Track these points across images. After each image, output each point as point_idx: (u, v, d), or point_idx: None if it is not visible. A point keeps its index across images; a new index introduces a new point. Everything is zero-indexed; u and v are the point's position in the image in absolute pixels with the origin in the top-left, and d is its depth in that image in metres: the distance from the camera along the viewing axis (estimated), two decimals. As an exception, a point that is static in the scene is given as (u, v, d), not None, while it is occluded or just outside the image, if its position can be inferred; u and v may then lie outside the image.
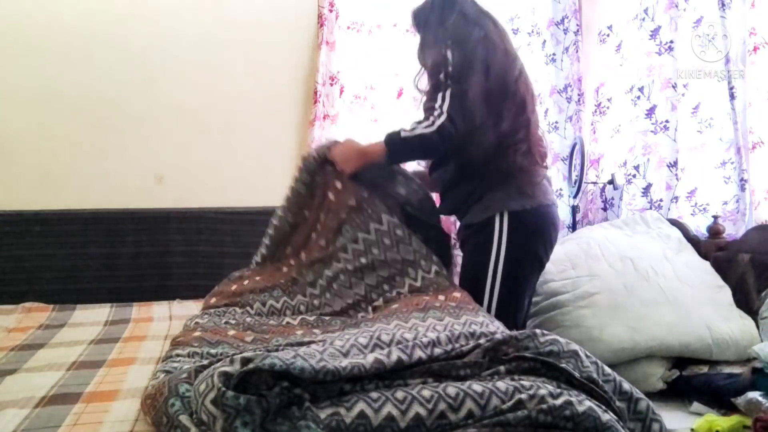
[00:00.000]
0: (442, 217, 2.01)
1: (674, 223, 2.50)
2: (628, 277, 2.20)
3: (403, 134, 1.71)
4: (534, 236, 1.80)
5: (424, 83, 1.84)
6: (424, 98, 1.79)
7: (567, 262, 2.35)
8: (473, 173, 1.80)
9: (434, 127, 1.67)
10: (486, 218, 1.77)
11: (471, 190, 1.81)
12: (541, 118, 3.01)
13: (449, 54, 1.71)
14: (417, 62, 1.91)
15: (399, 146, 1.73)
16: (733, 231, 2.40)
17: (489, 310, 1.74)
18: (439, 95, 1.69)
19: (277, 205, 2.34)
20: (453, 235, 2.14)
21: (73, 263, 2.45)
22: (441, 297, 1.56)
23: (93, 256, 2.48)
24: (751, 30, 2.32)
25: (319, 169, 1.86)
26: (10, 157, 2.54)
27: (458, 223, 1.97)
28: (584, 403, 1.01)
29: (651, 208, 2.65)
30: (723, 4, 2.37)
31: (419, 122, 1.70)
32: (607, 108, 2.93)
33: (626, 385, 1.13)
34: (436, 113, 1.68)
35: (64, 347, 1.65)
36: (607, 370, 1.15)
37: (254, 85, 2.78)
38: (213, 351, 1.36)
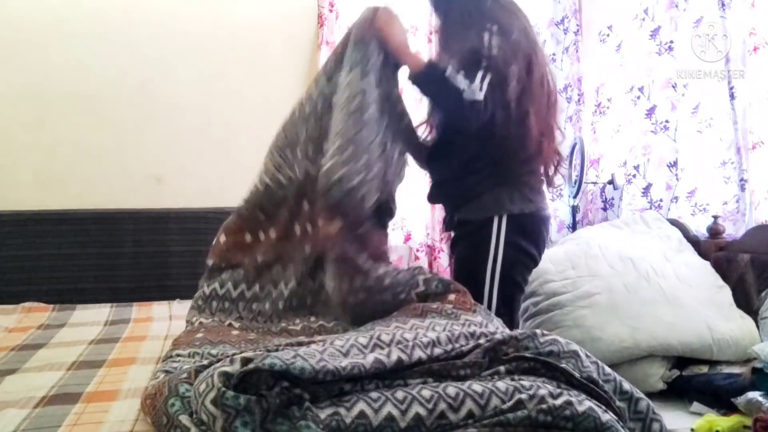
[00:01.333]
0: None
1: (674, 223, 2.50)
2: (628, 277, 2.20)
3: (447, 73, 1.61)
4: (531, 239, 1.78)
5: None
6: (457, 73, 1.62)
7: (567, 262, 2.35)
8: (480, 169, 1.75)
9: (468, 101, 1.59)
10: (484, 218, 1.75)
11: (472, 186, 1.76)
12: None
13: (491, 39, 1.63)
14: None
15: (436, 77, 1.63)
16: (733, 231, 2.40)
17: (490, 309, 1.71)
18: (478, 75, 1.59)
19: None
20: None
21: (73, 263, 2.45)
22: (436, 304, 1.51)
23: (93, 256, 2.48)
24: (751, 30, 2.32)
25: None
26: (10, 157, 2.54)
27: (442, 216, 1.94)
28: (584, 403, 1.01)
29: (651, 208, 2.65)
30: (723, 4, 2.37)
31: (464, 82, 1.59)
32: (607, 108, 2.93)
33: (626, 385, 1.13)
34: (474, 85, 1.59)
35: (64, 347, 1.65)
36: (608, 369, 1.15)
37: (254, 85, 2.78)
38: (214, 351, 1.36)
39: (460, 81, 1.60)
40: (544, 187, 1.84)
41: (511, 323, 1.75)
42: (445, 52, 1.80)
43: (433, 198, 1.95)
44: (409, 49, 1.74)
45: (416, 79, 1.69)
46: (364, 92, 1.59)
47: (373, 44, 1.68)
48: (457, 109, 1.64)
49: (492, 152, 1.72)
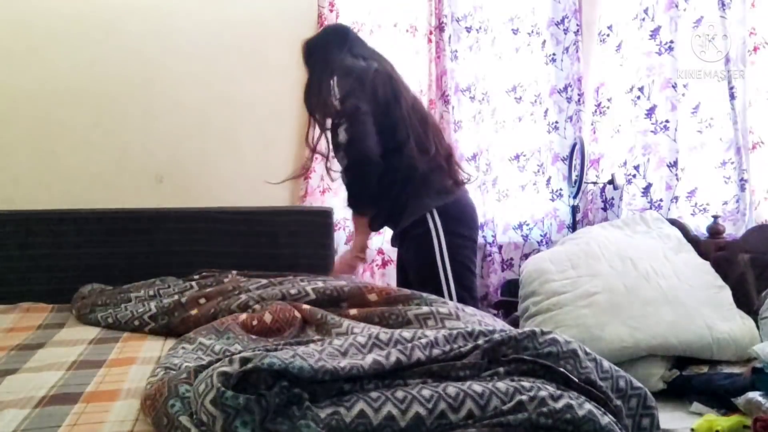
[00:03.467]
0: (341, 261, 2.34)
1: (674, 223, 2.50)
2: (628, 276, 2.20)
3: (348, 196, 2.07)
4: (463, 222, 2.07)
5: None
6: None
7: (567, 261, 2.35)
8: (390, 189, 2.04)
9: (347, 160, 1.96)
10: (418, 218, 2.02)
11: (394, 203, 2.05)
12: (541, 118, 3.02)
13: (337, 85, 1.97)
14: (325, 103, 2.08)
15: (350, 201, 2.08)
16: (733, 231, 2.41)
17: (451, 296, 1.98)
18: (340, 128, 1.94)
19: (277, 205, 2.36)
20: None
21: (73, 263, 2.44)
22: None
23: (93, 256, 2.47)
24: (751, 30, 2.32)
25: None
26: (10, 157, 2.54)
27: (389, 234, 2.25)
28: (584, 407, 1.01)
29: (651, 208, 2.65)
30: (723, 4, 2.37)
31: (341, 166, 2.00)
32: (607, 108, 2.93)
33: (622, 382, 1.14)
34: (342, 148, 1.95)
35: (63, 347, 1.65)
36: (606, 366, 1.16)
37: (254, 84, 2.78)
38: (218, 347, 1.36)
39: (342, 176, 2.01)
40: (460, 180, 2.13)
41: (474, 298, 2.07)
42: (314, 112, 2.12)
43: (376, 227, 2.23)
44: (354, 251, 2.23)
45: (356, 212, 2.13)
46: None
47: None
48: (357, 172, 1.99)
49: (394, 171, 2.02)
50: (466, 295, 2.01)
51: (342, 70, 2.00)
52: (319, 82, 2.05)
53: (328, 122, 2.05)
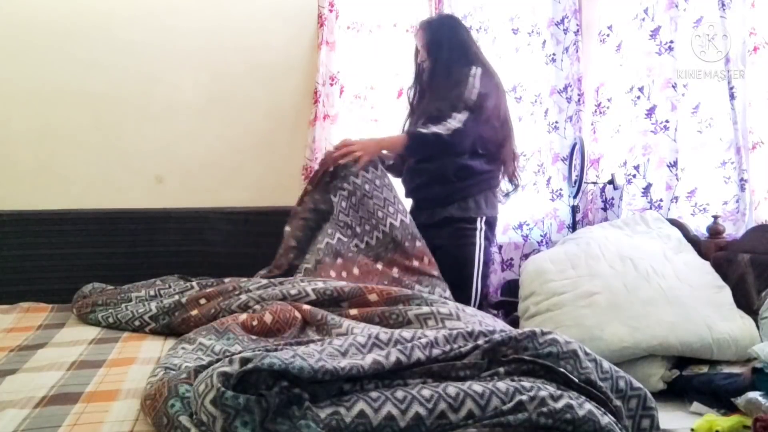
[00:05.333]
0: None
1: (674, 223, 2.50)
2: (628, 276, 2.20)
3: (423, 131, 2.09)
4: (492, 241, 2.33)
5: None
6: (434, 102, 2.19)
7: (567, 261, 2.35)
8: (464, 176, 2.17)
9: (449, 131, 2.07)
10: (469, 217, 2.17)
11: (458, 189, 2.18)
12: (541, 118, 3.02)
13: (475, 81, 2.13)
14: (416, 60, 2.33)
15: (419, 139, 2.10)
16: (733, 231, 2.40)
17: (476, 290, 2.17)
18: (462, 112, 2.10)
19: (277, 205, 2.36)
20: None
21: (73, 263, 2.45)
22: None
23: (93, 256, 2.48)
24: (751, 30, 2.32)
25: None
26: (10, 157, 2.54)
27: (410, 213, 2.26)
28: (584, 407, 1.01)
29: (651, 208, 2.65)
30: (723, 4, 2.37)
31: (437, 125, 2.08)
32: (607, 108, 2.93)
33: (622, 383, 1.14)
34: (451, 122, 2.08)
35: (64, 347, 1.65)
36: (606, 366, 1.16)
37: (254, 84, 2.78)
38: (218, 348, 1.36)
39: (433, 128, 2.08)
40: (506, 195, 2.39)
41: (486, 300, 2.34)
42: (433, 90, 2.25)
43: (414, 194, 2.31)
44: (381, 140, 2.18)
45: (408, 150, 2.16)
46: None
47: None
48: (443, 145, 2.09)
49: (478, 173, 2.19)
50: (484, 291, 2.28)
51: (485, 68, 2.21)
52: (449, 62, 2.20)
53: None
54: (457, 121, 2.08)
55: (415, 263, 1.97)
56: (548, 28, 3.02)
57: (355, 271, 1.94)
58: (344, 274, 1.93)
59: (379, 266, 1.95)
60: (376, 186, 2.06)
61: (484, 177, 2.22)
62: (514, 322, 2.41)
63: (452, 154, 2.14)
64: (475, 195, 2.20)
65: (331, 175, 2.12)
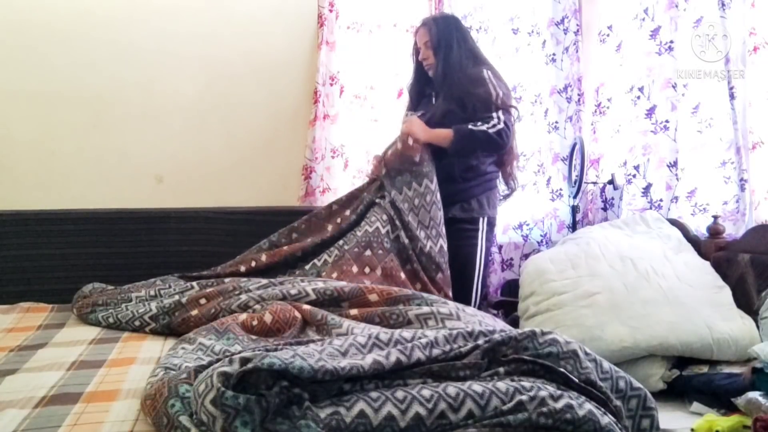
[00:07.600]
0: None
1: (674, 223, 2.50)
2: (628, 276, 2.20)
3: (472, 128, 2.13)
4: (493, 240, 2.36)
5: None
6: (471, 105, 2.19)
7: (567, 262, 2.35)
8: (469, 177, 2.22)
9: (495, 130, 2.13)
10: (471, 218, 2.22)
11: (461, 190, 2.22)
12: (541, 118, 3.02)
13: (494, 81, 2.18)
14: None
15: (466, 135, 2.13)
16: (733, 231, 2.40)
17: (477, 288, 2.22)
18: (499, 111, 2.16)
19: (277, 205, 2.36)
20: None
21: (73, 263, 2.45)
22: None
23: (93, 256, 2.48)
24: (751, 30, 2.32)
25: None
26: (10, 157, 2.54)
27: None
28: (584, 407, 1.01)
29: (651, 208, 2.65)
30: (723, 4, 2.37)
31: (482, 124, 2.13)
32: (607, 108, 2.93)
33: (622, 383, 1.14)
34: (494, 121, 2.14)
35: (64, 347, 1.65)
36: (606, 366, 1.16)
37: (254, 84, 2.78)
38: (218, 347, 1.36)
39: (481, 126, 2.12)
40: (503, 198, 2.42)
41: (485, 299, 2.36)
42: (447, 90, 2.24)
43: (456, 167, 2.27)
44: (434, 133, 2.17)
45: (453, 146, 2.14)
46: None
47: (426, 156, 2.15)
48: (492, 144, 2.16)
49: (486, 173, 2.25)
50: (483, 291, 2.31)
51: (494, 71, 2.26)
52: (460, 62, 2.23)
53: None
54: (497, 120, 2.14)
55: (433, 289, 2.00)
56: (548, 28, 3.02)
57: (378, 272, 1.97)
58: (367, 270, 1.97)
59: (402, 275, 1.98)
60: (436, 201, 2.10)
61: (487, 177, 2.27)
62: (514, 322, 2.41)
63: (493, 152, 2.23)
64: (478, 195, 2.24)
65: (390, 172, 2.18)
